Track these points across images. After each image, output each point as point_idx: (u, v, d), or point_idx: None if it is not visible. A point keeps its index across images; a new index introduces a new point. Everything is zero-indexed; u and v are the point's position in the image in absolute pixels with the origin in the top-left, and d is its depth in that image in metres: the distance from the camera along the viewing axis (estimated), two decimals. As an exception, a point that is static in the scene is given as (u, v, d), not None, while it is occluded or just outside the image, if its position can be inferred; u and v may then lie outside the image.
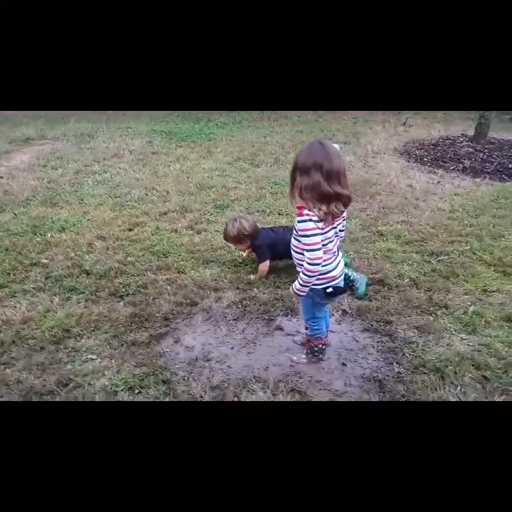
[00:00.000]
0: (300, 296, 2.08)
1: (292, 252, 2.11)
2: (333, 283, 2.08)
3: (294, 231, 2.05)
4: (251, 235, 3.18)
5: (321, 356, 2.41)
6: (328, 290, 2.08)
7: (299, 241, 1.99)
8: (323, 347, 2.40)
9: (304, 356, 2.44)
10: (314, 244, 1.90)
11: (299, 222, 1.91)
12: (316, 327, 2.30)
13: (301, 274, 1.99)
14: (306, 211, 1.87)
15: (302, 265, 1.98)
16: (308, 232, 1.89)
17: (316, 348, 2.38)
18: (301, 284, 2.00)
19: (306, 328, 2.37)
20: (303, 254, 1.97)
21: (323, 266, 1.97)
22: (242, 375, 2.33)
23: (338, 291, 2.12)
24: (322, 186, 1.83)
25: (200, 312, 2.82)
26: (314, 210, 1.87)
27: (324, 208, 1.86)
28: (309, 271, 1.94)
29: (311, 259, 1.91)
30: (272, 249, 3.15)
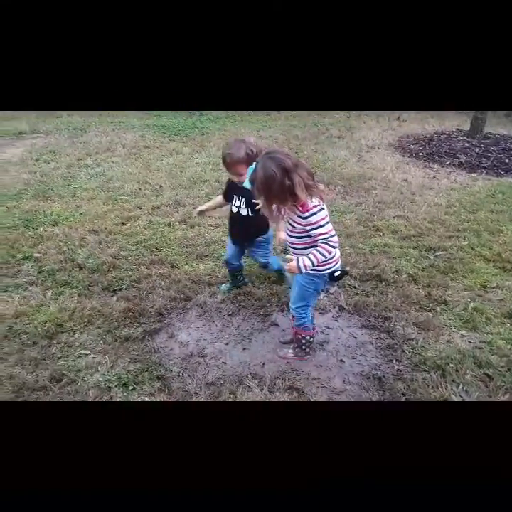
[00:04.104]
0: (301, 272, 2.04)
1: (293, 249, 2.12)
2: (338, 266, 2.12)
3: (289, 229, 2.08)
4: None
5: (308, 351, 2.38)
6: (336, 274, 2.10)
7: (303, 237, 2.03)
8: (311, 340, 2.37)
9: (290, 351, 2.41)
10: (331, 229, 1.96)
11: (310, 216, 1.93)
12: (304, 315, 2.28)
13: (317, 254, 1.97)
14: (311, 204, 1.92)
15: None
16: (323, 221, 1.94)
17: (303, 341, 2.35)
18: (312, 262, 1.99)
19: (293, 318, 2.34)
20: (307, 248, 2.03)
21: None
22: (238, 372, 2.29)
23: (342, 273, 2.15)
24: (304, 177, 1.90)
25: (195, 307, 2.77)
26: (314, 199, 1.93)
27: (319, 187, 1.96)
28: (329, 252, 1.98)
29: (334, 242, 1.97)
30: None
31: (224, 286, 2.95)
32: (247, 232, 2.66)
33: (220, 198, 2.79)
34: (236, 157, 2.37)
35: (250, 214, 2.53)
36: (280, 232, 2.47)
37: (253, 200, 2.28)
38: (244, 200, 2.53)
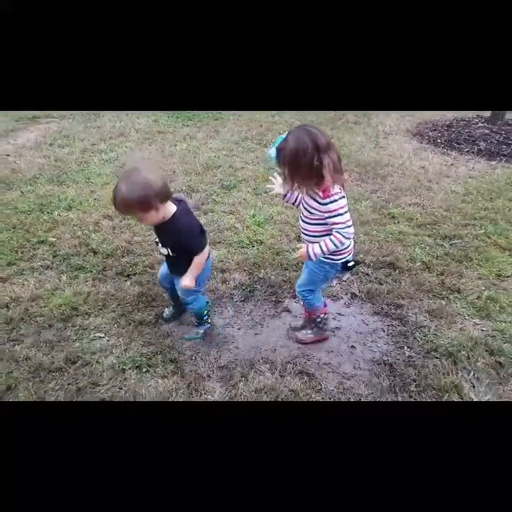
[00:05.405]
0: (312, 259, 2.02)
1: (305, 236, 2.08)
2: (351, 256, 2.10)
3: (305, 215, 2.03)
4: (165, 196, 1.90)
5: (325, 327, 2.38)
6: (350, 264, 2.08)
7: (318, 224, 1.98)
8: (326, 317, 2.37)
9: (310, 332, 2.42)
10: (349, 219, 1.91)
11: (330, 202, 1.87)
12: (310, 297, 2.26)
13: (329, 243, 1.93)
14: (333, 190, 1.86)
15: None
16: (342, 210, 1.88)
17: (318, 320, 2.35)
18: (323, 251, 1.96)
19: (302, 303, 2.35)
20: (321, 236, 1.98)
21: None
22: (250, 356, 2.31)
23: (356, 264, 2.13)
24: (334, 160, 1.81)
25: (207, 293, 2.79)
26: (336, 186, 1.86)
27: (343, 176, 1.90)
28: (342, 243, 1.94)
29: (349, 233, 1.92)
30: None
31: (167, 312, 2.57)
32: (172, 269, 2.23)
33: None
34: (125, 199, 1.78)
35: (171, 254, 2.08)
36: (185, 278, 2.06)
37: (171, 241, 2.00)
38: (160, 238, 2.08)
